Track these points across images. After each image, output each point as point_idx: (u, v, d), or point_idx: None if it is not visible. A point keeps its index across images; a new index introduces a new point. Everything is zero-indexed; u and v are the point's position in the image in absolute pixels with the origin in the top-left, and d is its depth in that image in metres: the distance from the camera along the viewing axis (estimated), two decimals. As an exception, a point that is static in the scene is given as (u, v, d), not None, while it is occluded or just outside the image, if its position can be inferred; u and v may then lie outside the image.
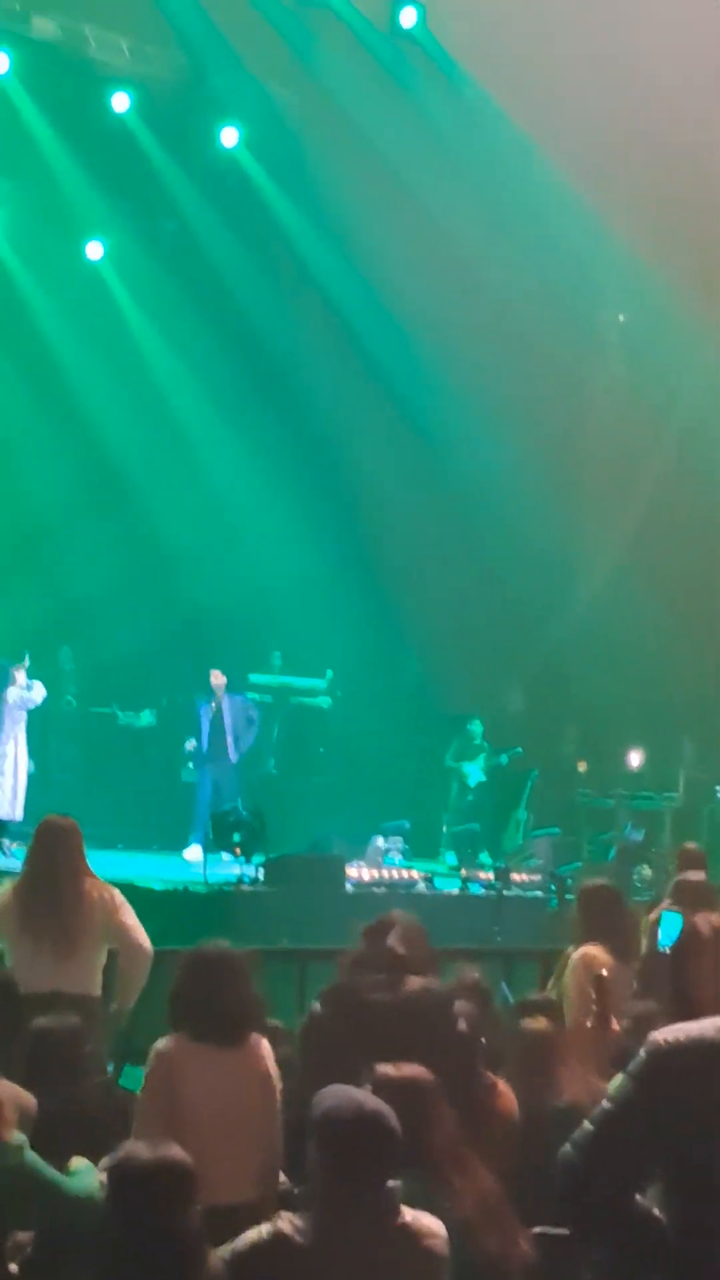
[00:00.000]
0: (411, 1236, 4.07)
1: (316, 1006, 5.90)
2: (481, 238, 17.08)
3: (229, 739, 16.68)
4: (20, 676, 15.58)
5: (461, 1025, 5.98)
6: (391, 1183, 4.02)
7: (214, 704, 16.79)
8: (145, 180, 18.13)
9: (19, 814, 14.99)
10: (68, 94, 17.27)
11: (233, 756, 16.76)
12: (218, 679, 16.88)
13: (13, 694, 15.52)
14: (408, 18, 17.35)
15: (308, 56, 17.24)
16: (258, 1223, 4.66)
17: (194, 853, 15.23)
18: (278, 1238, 4.04)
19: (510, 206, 17.30)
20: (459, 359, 17.67)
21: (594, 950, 7.27)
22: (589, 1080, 5.80)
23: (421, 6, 17.30)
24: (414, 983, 5.82)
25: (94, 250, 18.94)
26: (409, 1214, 4.09)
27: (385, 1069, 4.84)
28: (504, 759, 17.42)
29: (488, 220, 17.14)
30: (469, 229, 17.09)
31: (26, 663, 15.62)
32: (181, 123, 18.09)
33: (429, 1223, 4.12)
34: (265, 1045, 5.58)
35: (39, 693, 15.73)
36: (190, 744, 16.83)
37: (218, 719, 16.74)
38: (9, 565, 18.05)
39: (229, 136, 18.28)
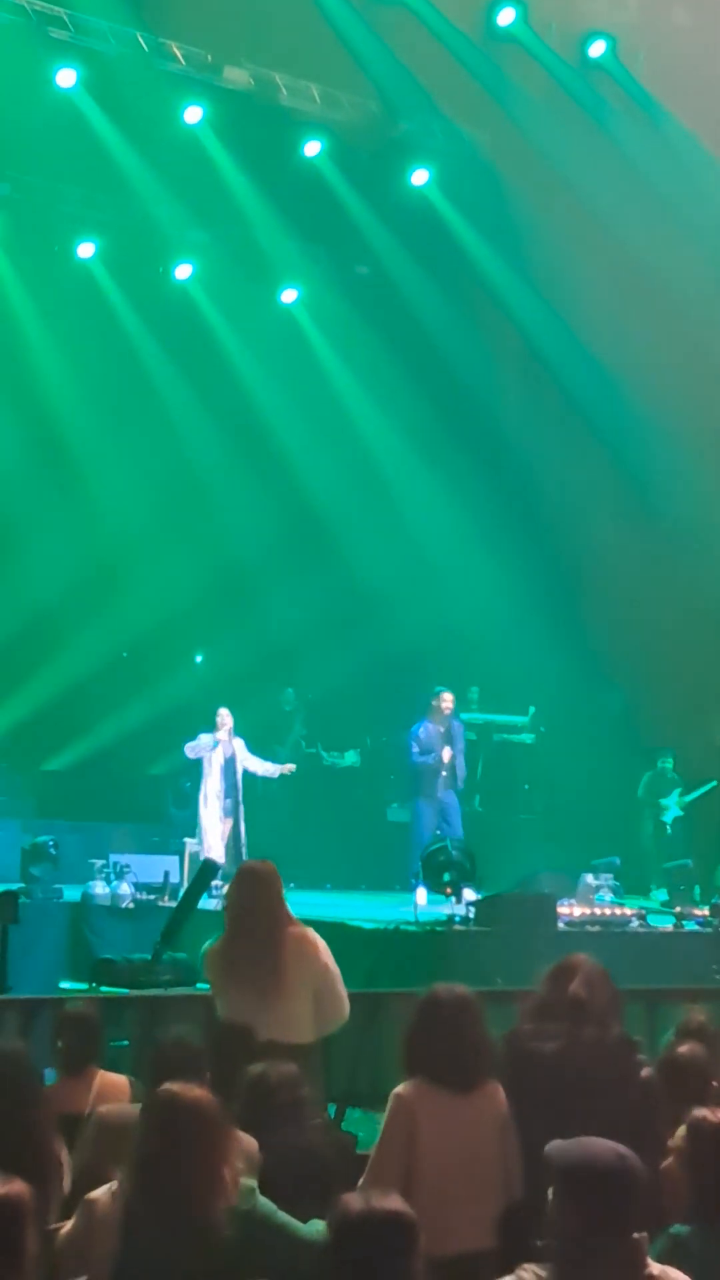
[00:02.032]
0: None
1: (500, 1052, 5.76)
2: (679, 270, 16.85)
3: (459, 765, 15.93)
4: (223, 720, 15.31)
5: (646, 1072, 5.81)
6: (637, 1235, 3.90)
7: (442, 728, 15.84)
8: (338, 224, 18.26)
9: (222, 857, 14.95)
10: (260, 142, 17.47)
11: (460, 783, 16.03)
12: (449, 701, 15.96)
13: (202, 745, 15.33)
14: (597, 49, 17.25)
15: (498, 93, 17.21)
16: (495, 1270, 4.56)
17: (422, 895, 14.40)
18: None
19: (709, 236, 17.03)
20: (659, 391, 17.45)
21: None
22: None
23: (611, 38, 17.18)
24: (590, 1032, 5.65)
25: (289, 296, 19.15)
26: (656, 1268, 3.96)
27: (702, 1112, 4.70)
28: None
29: (685, 252, 16.91)
30: (666, 261, 16.87)
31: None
32: (373, 166, 18.20)
33: (677, 1276, 3.98)
34: (500, 1090, 5.47)
35: (201, 749, 15.39)
36: (446, 754, 15.63)
37: (449, 744, 15.80)
38: (215, 611, 18.30)
39: (420, 177, 18.35)
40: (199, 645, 19.18)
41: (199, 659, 19.28)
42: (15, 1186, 3.75)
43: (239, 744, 15.36)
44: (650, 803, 17.41)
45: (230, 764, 15.21)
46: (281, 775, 15.78)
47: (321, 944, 7.23)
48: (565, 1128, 4.18)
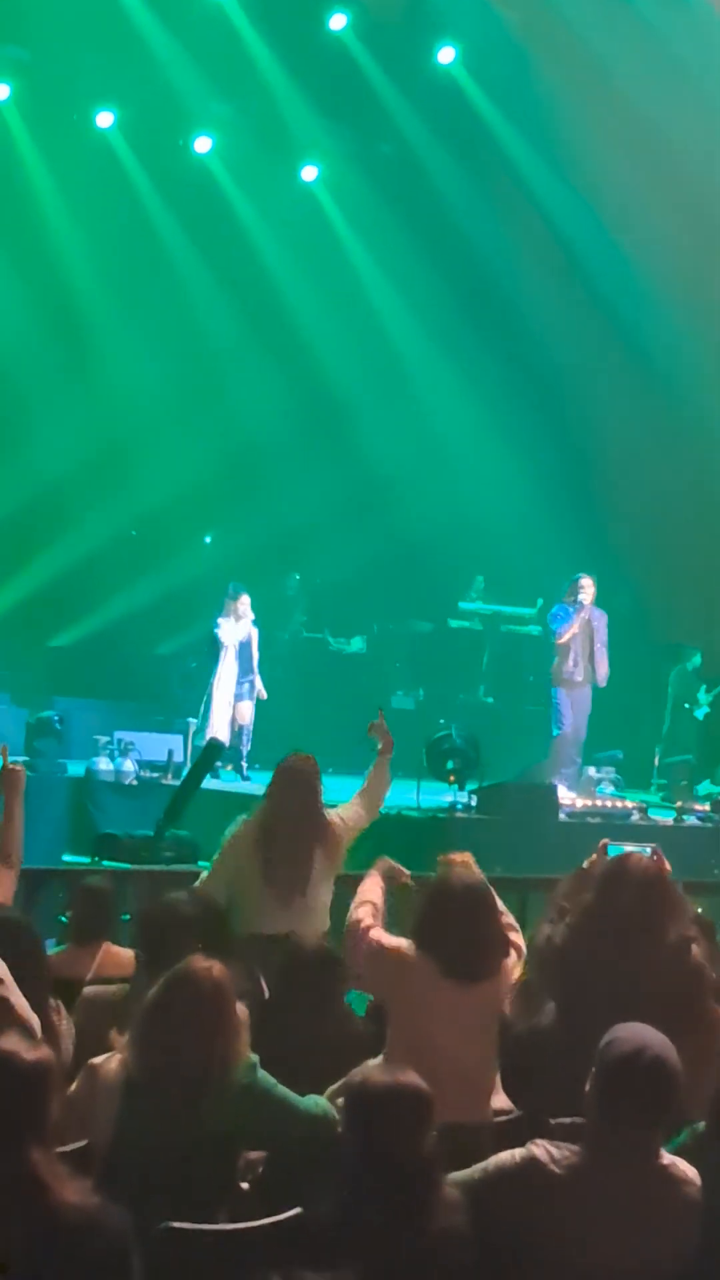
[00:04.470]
0: (669, 1181, 4.00)
1: (559, 936, 5.68)
2: (708, 156, 16.56)
3: (600, 656, 14.37)
4: (243, 603, 15.16)
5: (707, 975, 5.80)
6: (660, 1127, 3.97)
7: (583, 615, 14.25)
8: (361, 101, 17.91)
9: (227, 738, 14.90)
10: (285, 13, 17.07)
11: (602, 678, 14.46)
12: (591, 586, 14.34)
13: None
14: None
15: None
16: (490, 1142, 4.61)
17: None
18: (531, 1163, 3.98)
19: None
20: (683, 283, 17.18)
21: None
22: None
23: None
24: (643, 938, 5.57)
25: (309, 173, 18.88)
26: (667, 1158, 4.02)
27: None
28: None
29: (715, 138, 16.60)
30: (694, 147, 16.56)
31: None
32: (399, 42, 17.79)
33: (685, 1169, 4.04)
34: (506, 972, 5.45)
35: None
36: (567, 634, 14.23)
37: (586, 634, 14.35)
38: (226, 492, 18.22)
39: (446, 55, 18.00)
40: (209, 526, 19.11)
41: (208, 540, 19.23)
42: (43, 1052, 3.79)
43: (254, 631, 15.34)
44: (677, 700, 17.35)
45: (245, 649, 15.18)
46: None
47: (340, 826, 7.45)
48: (612, 1018, 4.19)
